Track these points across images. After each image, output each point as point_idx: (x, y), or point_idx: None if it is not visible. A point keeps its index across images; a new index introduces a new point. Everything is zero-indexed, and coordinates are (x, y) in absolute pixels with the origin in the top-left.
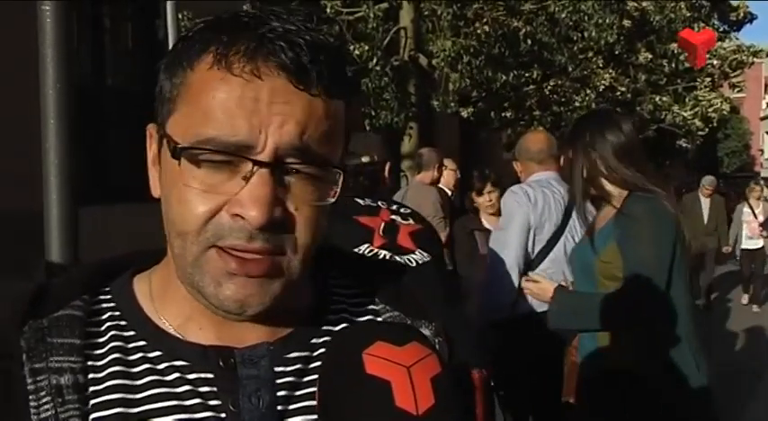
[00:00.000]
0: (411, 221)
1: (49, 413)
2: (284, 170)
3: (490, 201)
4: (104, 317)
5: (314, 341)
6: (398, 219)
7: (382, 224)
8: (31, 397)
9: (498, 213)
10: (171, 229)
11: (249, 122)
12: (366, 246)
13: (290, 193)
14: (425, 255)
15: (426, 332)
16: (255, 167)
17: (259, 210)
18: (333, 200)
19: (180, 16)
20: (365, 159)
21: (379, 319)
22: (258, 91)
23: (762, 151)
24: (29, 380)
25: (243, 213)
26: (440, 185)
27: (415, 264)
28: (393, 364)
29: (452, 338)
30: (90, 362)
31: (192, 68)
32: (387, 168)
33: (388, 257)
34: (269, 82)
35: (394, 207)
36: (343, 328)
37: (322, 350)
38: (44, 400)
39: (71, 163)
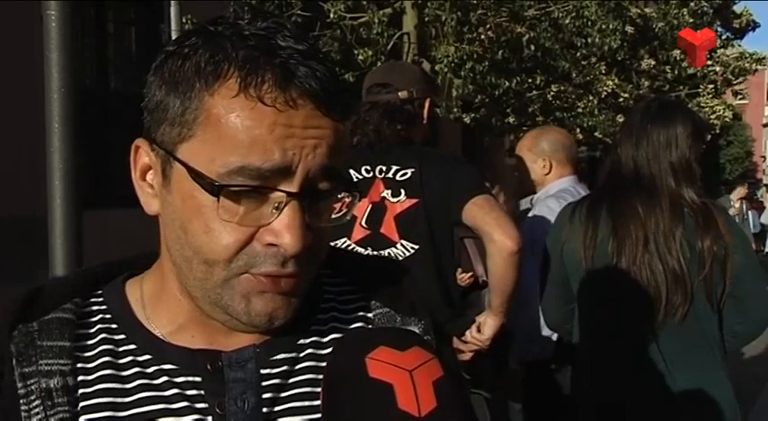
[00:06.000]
0: (402, 196)
1: (40, 416)
2: (312, 196)
3: None
4: (95, 319)
5: (301, 342)
6: (389, 195)
7: (369, 207)
8: (21, 400)
9: None
10: (193, 256)
11: (282, 147)
12: (344, 240)
13: (315, 215)
14: (409, 247)
15: (416, 329)
16: (288, 198)
17: (294, 239)
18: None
19: (184, 20)
20: (402, 95)
21: (370, 315)
22: (291, 118)
23: (764, 158)
24: (19, 385)
25: (278, 242)
26: None
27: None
28: (395, 368)
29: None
30: (80, 365)
31: (210, 94)
32: (426, 105)
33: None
34: (302, 111)
35: (392, 171)
36: (346, 333)
37: (309, 351)
38: (34, 403)
39: (75, 167)
